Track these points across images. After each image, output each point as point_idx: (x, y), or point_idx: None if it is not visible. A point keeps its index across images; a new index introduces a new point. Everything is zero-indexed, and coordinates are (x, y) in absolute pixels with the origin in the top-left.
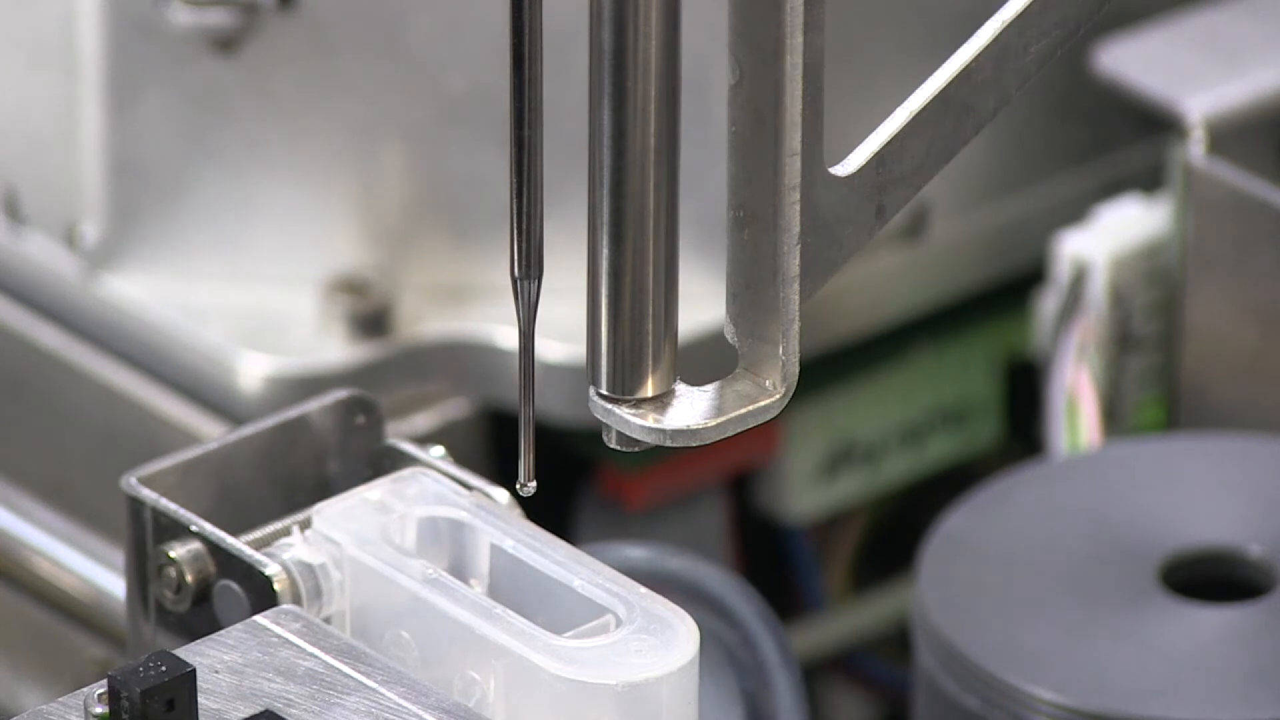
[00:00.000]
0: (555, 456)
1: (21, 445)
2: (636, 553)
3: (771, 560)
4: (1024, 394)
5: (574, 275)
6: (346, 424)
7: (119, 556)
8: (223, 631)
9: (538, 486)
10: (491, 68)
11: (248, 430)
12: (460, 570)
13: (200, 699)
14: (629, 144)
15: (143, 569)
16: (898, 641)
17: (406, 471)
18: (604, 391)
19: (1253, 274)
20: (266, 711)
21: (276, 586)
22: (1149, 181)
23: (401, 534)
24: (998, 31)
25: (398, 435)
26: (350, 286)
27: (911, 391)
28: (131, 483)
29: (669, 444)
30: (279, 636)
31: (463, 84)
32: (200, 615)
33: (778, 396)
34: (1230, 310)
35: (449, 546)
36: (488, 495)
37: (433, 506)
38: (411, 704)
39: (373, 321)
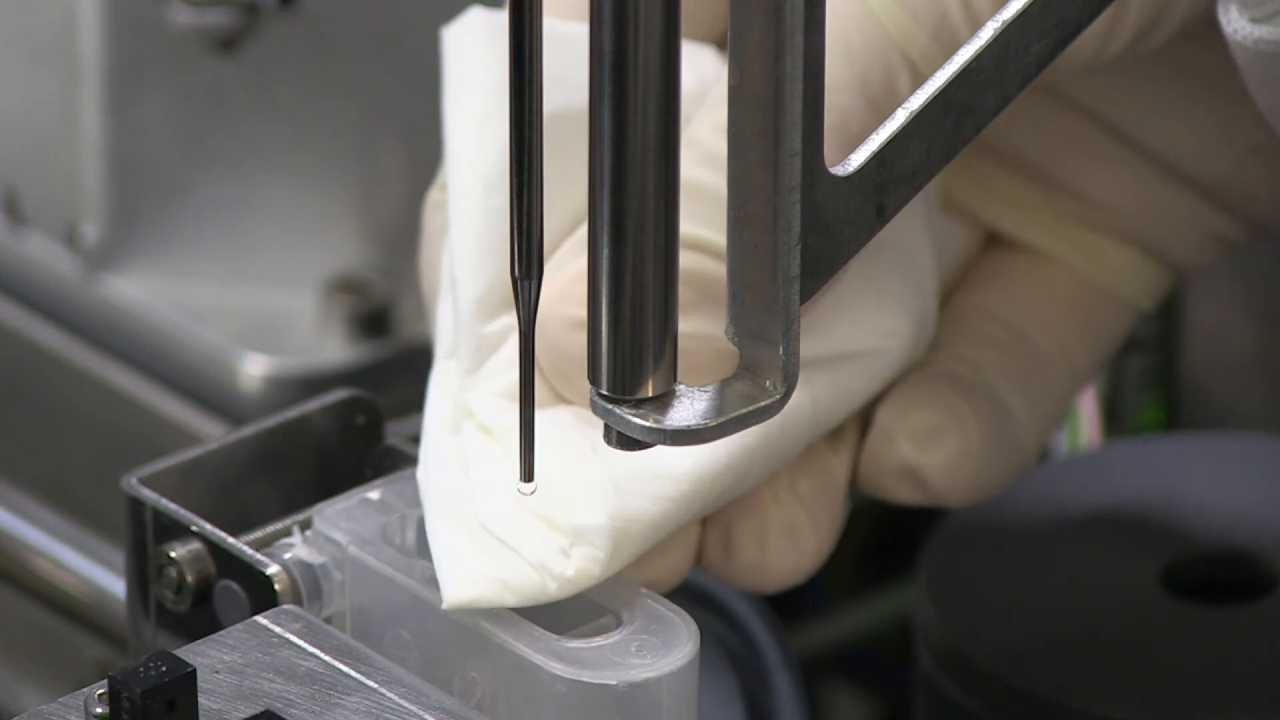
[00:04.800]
0: None
1: (21, 445)
2: None
3: None
4: None
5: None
6: (346, 424)
7: (119, 556)
8: (223, 631)
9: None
10: None
11: (248, 430)
12: None
13: (200, 699)
14: (629, 144)
15: (143, 569)
16: (898, 641)
17: (406, 471)
18: (604, 391)
19: (1253, 274)
20: (266, 712)
21: (276, 586)
22: None
23: (401, 534)
24: (998, 31)
25: (398, 435)
26: (350, 286)
27: None
28: (131, 483)
29: (669, 444)
30: (279, 636)
31: None
32: (200, 615)
33: (778, 396)
34: (1230, 310)
35: None
36: None
37: None
38: (411, 704)
39: (373, 321)
